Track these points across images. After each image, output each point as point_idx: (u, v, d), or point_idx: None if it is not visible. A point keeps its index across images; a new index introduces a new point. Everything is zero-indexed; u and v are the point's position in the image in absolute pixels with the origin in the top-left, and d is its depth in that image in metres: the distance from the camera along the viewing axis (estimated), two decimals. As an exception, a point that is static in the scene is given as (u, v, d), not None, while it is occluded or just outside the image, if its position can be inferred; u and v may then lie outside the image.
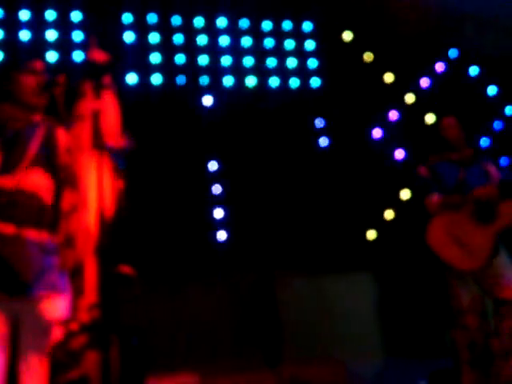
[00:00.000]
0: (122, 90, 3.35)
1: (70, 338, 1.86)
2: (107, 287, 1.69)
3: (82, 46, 3.65)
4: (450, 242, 2.76)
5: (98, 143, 1.72)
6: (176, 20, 3.99)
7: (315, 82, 4.27)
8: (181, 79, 3.87)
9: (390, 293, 4.25)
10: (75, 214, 1.88)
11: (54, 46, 3.68)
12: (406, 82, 4.34)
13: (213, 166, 3.87)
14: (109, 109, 1.88)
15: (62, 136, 1.94)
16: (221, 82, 4.00)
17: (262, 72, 4.15)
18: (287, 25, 4.32)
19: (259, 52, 4.19)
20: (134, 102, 3.52)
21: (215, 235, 3.77)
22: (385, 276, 4.23)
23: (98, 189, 1.69)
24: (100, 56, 1.83)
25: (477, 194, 2.79)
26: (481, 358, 2.72)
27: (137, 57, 3.79)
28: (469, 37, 4.29)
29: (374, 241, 4.07)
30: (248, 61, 4.15)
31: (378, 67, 4.33)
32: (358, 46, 4.36)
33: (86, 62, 1.78)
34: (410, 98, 4.36)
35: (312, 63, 4.32)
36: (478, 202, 2.79)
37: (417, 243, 3.87)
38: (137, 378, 1.97)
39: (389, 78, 4.32)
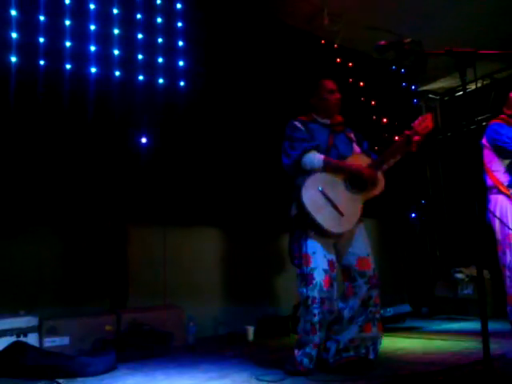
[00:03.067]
0: None
1: None
2: None
3: None
4: (322, 203, 2.72)
5: None
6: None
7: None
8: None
9: (231, 246, 4.70)
10: None
11: None
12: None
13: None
14: None
15: None
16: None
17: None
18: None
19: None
20: None
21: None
22: (228, 232, 4.67)
23: None
24: None
25: (358, 168, 2.81)
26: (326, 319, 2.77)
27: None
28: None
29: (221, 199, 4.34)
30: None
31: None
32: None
33: None
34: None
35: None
36: (354, 173, 2.81)
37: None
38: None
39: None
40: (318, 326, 2.71)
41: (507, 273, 3.79)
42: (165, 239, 4.24)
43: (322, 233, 2.74)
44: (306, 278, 2.73)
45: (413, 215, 5.78)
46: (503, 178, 3.88)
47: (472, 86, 4.39)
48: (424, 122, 2.83)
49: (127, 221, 4.07)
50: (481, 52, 1.81)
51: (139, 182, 3.93)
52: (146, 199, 3.97)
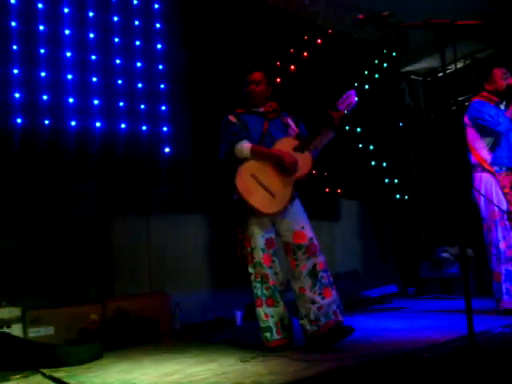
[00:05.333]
0: None
1: None
2: None
3: None
4: (254, 187, 2.95)
5: None
6: None
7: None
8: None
9: (217, 231, 4.69)
10: None
11: None
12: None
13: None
14: None
15: None
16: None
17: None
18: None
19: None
20: None
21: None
22: (213, 218, 4.67)
23: None
24: None
25: (279, 155, 2.99)
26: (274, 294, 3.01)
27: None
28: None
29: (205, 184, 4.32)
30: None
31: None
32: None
33: None
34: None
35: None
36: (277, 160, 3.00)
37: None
38: None
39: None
40: (264, 299, 2.99)
41: (493, 250, 3.82)
42: (148, 227, 4.23)
43: (257, 214, 2.98)
44: (249, 257, 3.05)
45: (397, 196, 5.80)
46: (486, 155, 3.90)
47: (454, 66, 4.37)
48: (347, 99, 3.00)
49: (110, 210, 4.03)
50: (458, 23, 1.79)
51: (120, 170, 3.87)
52: (128, 187, 3.94)
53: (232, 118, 3.17)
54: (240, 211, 3.06)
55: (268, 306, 2.99)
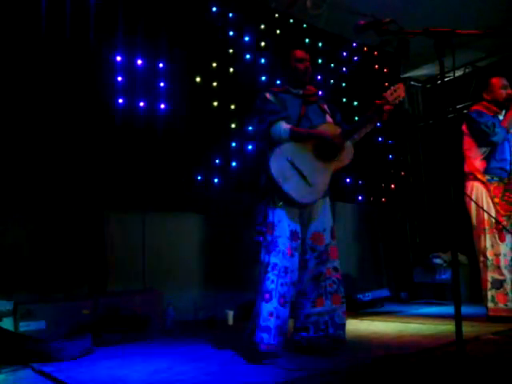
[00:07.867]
0: None
1: None
2: None
3: None
4: (290, 173, 2.71)
5: None
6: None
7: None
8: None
9: (211, 231, 4.68)
10: None
11: None
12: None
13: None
14: None
15: None
16: None
17: None
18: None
19: None
20: None
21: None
22: (208, 218, 4.66)
23: None
24: None
25: (322, 133, 2.81)
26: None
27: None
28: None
29: (201, 185, 4.28)
30: None
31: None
32: None
33: None
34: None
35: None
36: (321, 139, 2.80)
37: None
38: None
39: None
40: (274, 293, 2.65)
41: (481, 258, 3.86)
42: (144, 224, 4.21)
43: (289, 202, 2.72)
44: (269, 246, 2.72)
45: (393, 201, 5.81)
46: (480, 165, 3.94)
47: (453, 74, 4.35)
48: (396, 92, 2.80)
49: (105, 205, 4.01)
50: (458, 31, 1.79)
51: (118, 166, 3.86)
52: (124, 184, 3.91)
53: (269, 96, 2.90)
54: (267, 197, 2.80)
55: (279, 304, 2.65)
